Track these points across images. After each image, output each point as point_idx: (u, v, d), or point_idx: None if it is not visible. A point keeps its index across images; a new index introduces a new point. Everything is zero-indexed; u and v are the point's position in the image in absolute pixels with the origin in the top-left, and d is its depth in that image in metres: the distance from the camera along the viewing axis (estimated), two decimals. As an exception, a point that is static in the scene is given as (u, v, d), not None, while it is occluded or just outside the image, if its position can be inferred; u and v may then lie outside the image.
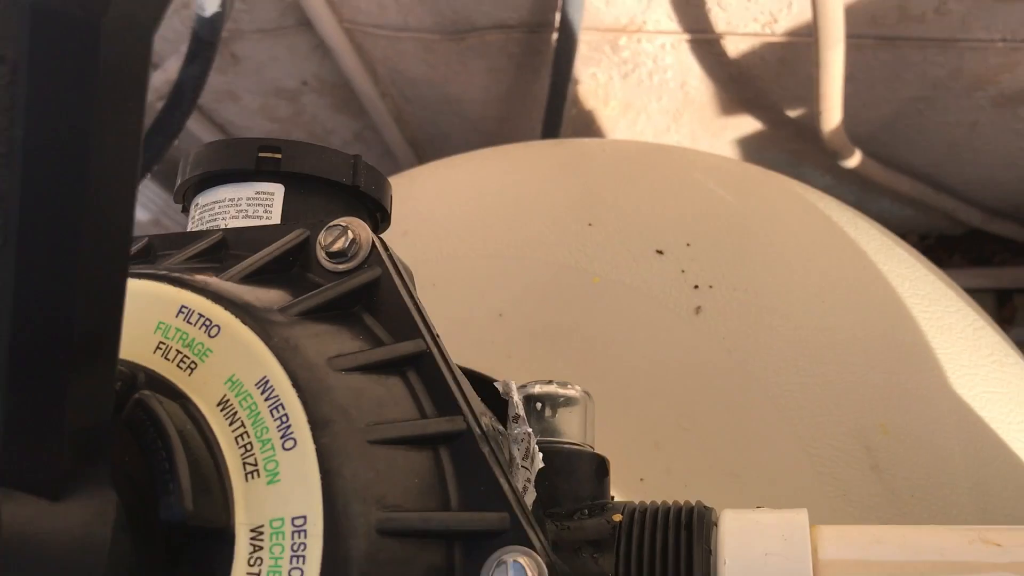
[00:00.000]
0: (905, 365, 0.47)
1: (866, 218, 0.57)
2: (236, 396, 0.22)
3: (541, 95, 1.07)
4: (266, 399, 0.22)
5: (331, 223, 0.25)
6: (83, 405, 0.18)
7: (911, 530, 0.29)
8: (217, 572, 0.20)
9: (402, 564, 0.21)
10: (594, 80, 1.09)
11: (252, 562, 0.20)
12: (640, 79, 1.08)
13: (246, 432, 0.21)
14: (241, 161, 0.28)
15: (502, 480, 0.22)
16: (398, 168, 1.24)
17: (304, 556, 0.20)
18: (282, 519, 0.20)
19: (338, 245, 0.25)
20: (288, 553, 0.20)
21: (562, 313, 0.49)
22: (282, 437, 0.21)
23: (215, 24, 0.78)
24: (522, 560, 0.21)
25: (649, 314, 0.46)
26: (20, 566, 0.18)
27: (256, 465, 0.21)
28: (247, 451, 0.21)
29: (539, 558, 0.21)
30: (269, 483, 0.21)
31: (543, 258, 0.49)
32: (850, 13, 0.86)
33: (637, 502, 0.30)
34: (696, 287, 0.47)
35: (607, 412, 0.36)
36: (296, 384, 0.21)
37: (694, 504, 0.29)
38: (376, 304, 0.25)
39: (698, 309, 0.46)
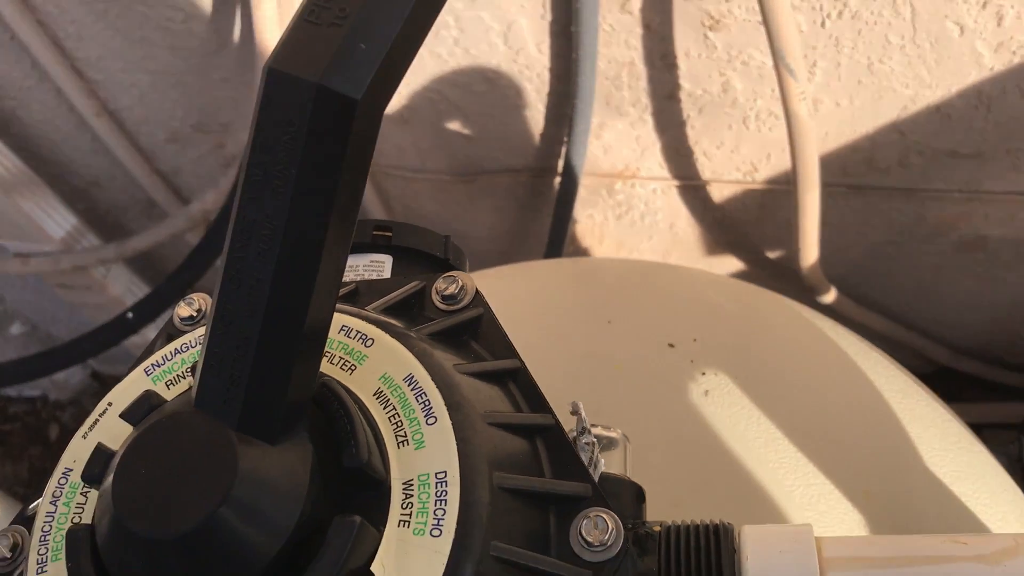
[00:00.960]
0: (885, 444, 0.54)
1: (843, 327, 0.65)
2: (388, 388, 0.28)
3: (542, 232, 1.16)
4: (412, 389, 0.28)
5: (446, 275, 0.33)
6: (299, 382, 0.25)
7: (897, 536, 0.36)
8: (376, 515, 0.26)
9: (512, 514, 0.27)
10: (591, 220, 1.19)
11: (404, 506, 0.27)
12: (633, 220, 1.18)
13: (397, 413, 0.28)
14: (360, 237, 0.36)
15: (584, 462, 0.29)
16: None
17: (446, 500, 0.26)
18: (428, 474, 0.27)
19: (451, 291, 0.33)
20: (433, 498, 0.27)
21: (589, 393, 0.56)
22: (425, 416, 0.28)
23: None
24: (603, 515, 0.28)
25: (665, 395, 0.54)
26: (251, 487, 0.24)
27: (406, 436, 0.28)
28: (398, 427, 0.28)
29: (616, 516, 0.28)
30: (416, 449, 0.27)
31: (570, 349, 0.57)
32: (823, 163, 0.96)
33: (671, 521, 0.37)
34: (704, 373, 0.54)
35: (631, 476, 0.43)
36: (434, 378, 0.28)
37: (718, 521, 0.36)
38: (480, 334, 0.32)
39: (707, 392, 0.54)
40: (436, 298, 0.33)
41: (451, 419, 0.28)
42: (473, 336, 0.32)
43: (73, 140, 1.16)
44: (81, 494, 0.30)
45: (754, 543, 0.35)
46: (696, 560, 0.33)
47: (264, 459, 0.25)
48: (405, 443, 0.28)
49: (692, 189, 1.12)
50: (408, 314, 0.32)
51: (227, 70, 1.03)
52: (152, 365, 0.32)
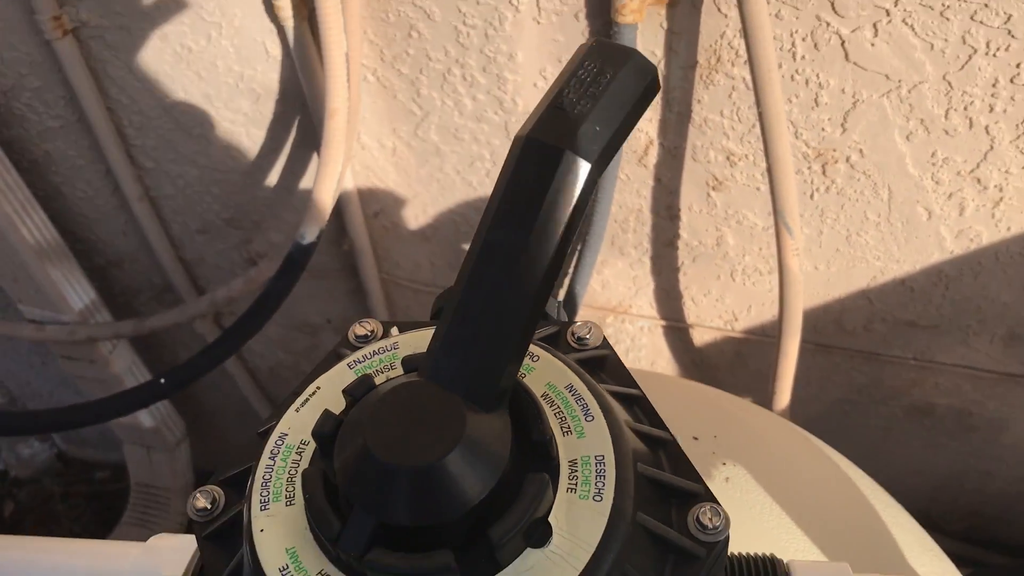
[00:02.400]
0: (869, 539, 0.63)
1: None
2: (552, 392, 0.36)
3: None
4: (571, 395, 0.36)
5: (582, 322, 0.41)
6: (512, 369, 0.33)
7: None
8: (538, 494, 0.33)
9: (646, 497, 0.35)
10: (580, 351, 1.28)
11: (571, 478, 0.34)
12: (619, 354, 1.28)
13: (561, 411, 0.36)
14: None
15: (695, 470, 0.37)
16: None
17: (604, 476, 0.34)
18: (589, 456, 0.35)
19: (583, 333, 0.41)
20: (594, 474, 0.34)
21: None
22: (584, 415, 0.36)
23: (309, 251, 0.96)
24: (716, 507, 0.35)
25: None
26: (473, 441, 0.32)
27: (569, 428, 0.35)
28: (563, 421, 0.36)
29: (724, 510, 0.36)
30: (578, 438, 0.35)
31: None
32: (799, 318, 1.08)
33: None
34: (724, 463, 0.63)
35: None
36: (589, 388, 0.37)
37: (769, 554, 0.44)
38: (607, 369, 0.40)
39: (727, 479, 0.62)
40: (571, 339, 0.41)
41: (605, 418, 0.36)
42: (601, 370, 0.41)
43: (108, 220, 1.23)
44: (296, 453, 0.37)
45: (802, 572, 0.43)
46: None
47: (482, 423, 0.33)
48: (568, 433, 0.36)
49: (676, 331, 1.23)
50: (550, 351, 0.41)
51: (272, 175, 1.13)
52: (354, 361, 0.40)
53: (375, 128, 1.04)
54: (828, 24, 0.86)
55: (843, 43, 0.87)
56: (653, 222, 1.10)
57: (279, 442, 0.37)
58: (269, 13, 0.95)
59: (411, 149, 1.06)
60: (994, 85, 0.87)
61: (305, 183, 1.13)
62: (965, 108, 0.90)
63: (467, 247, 1.17)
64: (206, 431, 1.52)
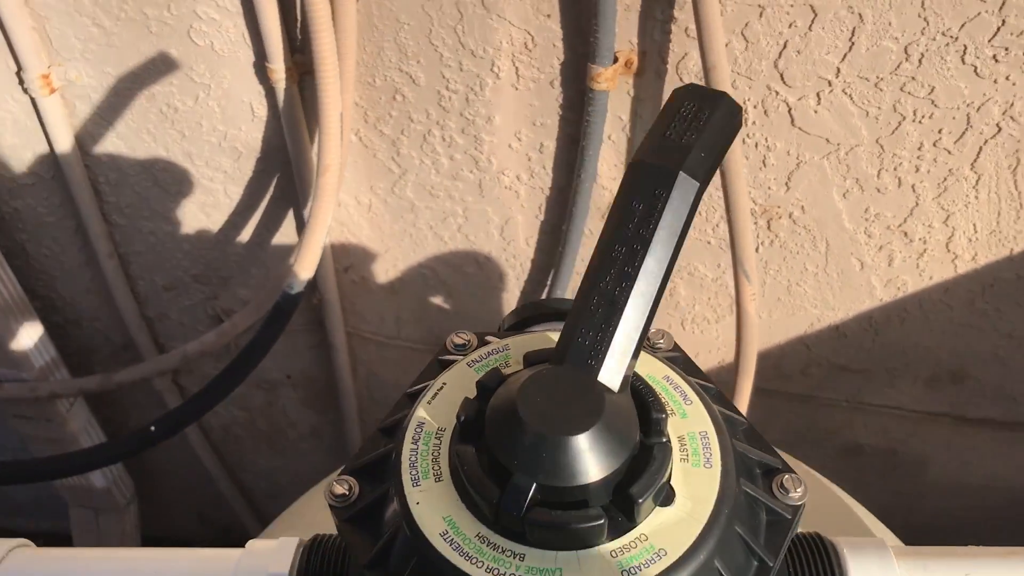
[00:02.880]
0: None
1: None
2: (651, 382, 0.42)
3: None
4: (669, 383, 0.43)
5: (656, 330, 0.48)
6: (636, 355, 0.40)
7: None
8: (665, 460, 0.39)
9: (740, 463, 0.41)
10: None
11: (682, 451, 0.40)
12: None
13: (663, 397, 0.42)
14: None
15: (772, 447, 0.43)
16: (348, 456, 1.41)
17: (710, 448, 0.40)
18: (694, 432, 0.41)
19: (657, 339, 0.47)
20: (700, 447, 0.40)
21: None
22: (683, 399, 0.42)
23: (296, 300, 1.00)
24: (796, 477, 0.42)
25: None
26: (611, 416, 0.38)
27: (673, 412, 0.41)
28: (667, 405, 0.42)
29: (802, 479, 0.42)
30: (681, 418, 0.41)
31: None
32: (744, 363, 1.17)
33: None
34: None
35: None
36: (683, 378, 0.43)
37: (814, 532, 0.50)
38: (681, 367, 0.47)
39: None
40: (648, 344, 0.47)
41: (703, 402, 0.42)
42: (679, 367, 0.47)
43: (72, 278, 1.24)
44: (436, 438, 0.42)
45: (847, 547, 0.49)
46: (806, 557, 0.47)
47: (615, 402, 0.38)
48: (674, 415, 0.42)
49: (628, 379, 1.30)
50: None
51: (245, 231, 1.16)
52: (472, 361, 0.45)
53: (353, 185, 1.09)
54: (777, 93, 0.97)
55: (790, 110, 0.98)
56: (612, 274, 1.17)
57: (418, 429, 0.42)
58: (259, 75, 1.00)
59: (386, 205, 1.11)
60: (919, 148, 0.99)
61: (278, 239, 1.17)
62: (895, 168, 1.01)
63: (434, 300, 1.23)
64: (153, 492, 1.51)
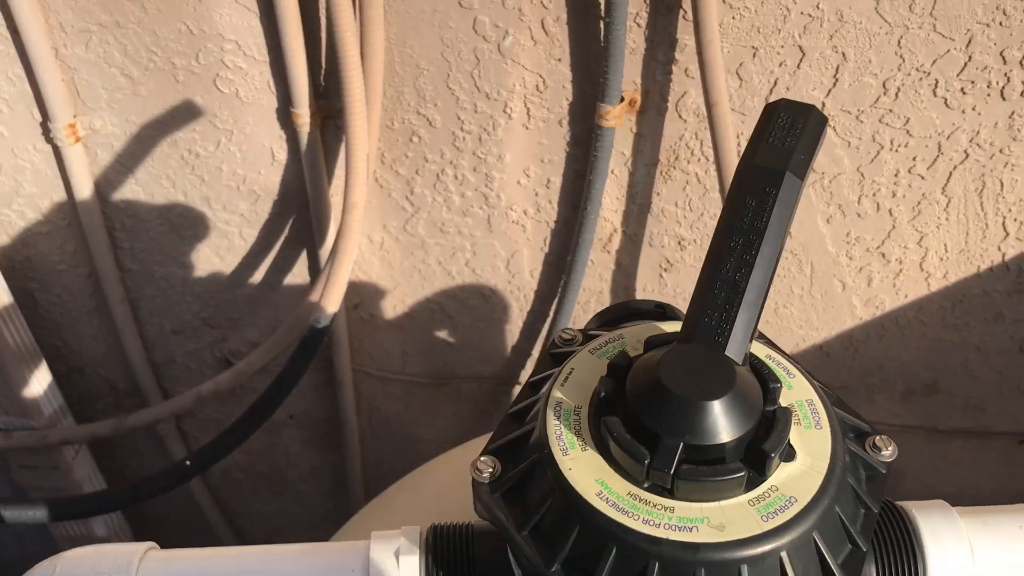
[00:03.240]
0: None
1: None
2: (758, 360, 0.48)
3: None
4: (771, 360, 0.48)
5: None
6: (754, 331, 0.45)
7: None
8: (787, 421, 0.45)
9: (843, 425, 0.47)
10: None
11: (795, 416, 0.46)
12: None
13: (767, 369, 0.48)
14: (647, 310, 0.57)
15: (860, 414, 0.49)
16: (349, 495, 1.44)
17: (817, 412, 0.46)
18: (802, 400, 0.47)
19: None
20: (809, 412, 0.46)
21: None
22: (787, 373, 0.48)
23: (322, 334, 1.04)
24: (886, 438, 0.48)
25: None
26: (742, 384, 0.43)
27: (780, 384, 0.47)
28: (773, 380, 0.47)
29: (892, 439, 0.48)
30: (788, 389, 0.47)
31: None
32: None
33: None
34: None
35: None
36: (784, 356, 0.49)
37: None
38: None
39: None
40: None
41: (803, 375, 0.48)
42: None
43: (78, 325, 1.26)
44: (575, 414, 0.47)
45: (916, 509, 0.55)
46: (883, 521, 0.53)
47: (742, 373, 0.44)
48: (781, 388, 0.47)
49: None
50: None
51: (258, 273, 1.20)
52: (593, 349, 0.50)
53: (367, 224, 1.14)
54: (768, 127, 1.05)
55: (779, 142, 1.06)
56: (611, 302, 1.24)
57: (558, 408, 0.47)
58: (282, 120, 1.05)
59: (398, 243, 1.16)
60: (896, 175, 1.08)
61: (289, 280, 1.21)
62: (874, 194, 1.10)
63: (439, 334, 1.27)
64: (151, 540, 1.50)
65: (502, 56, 0.99)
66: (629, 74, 1.01)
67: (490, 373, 1.31)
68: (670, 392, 0.43)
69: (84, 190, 1.09)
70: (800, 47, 0.98)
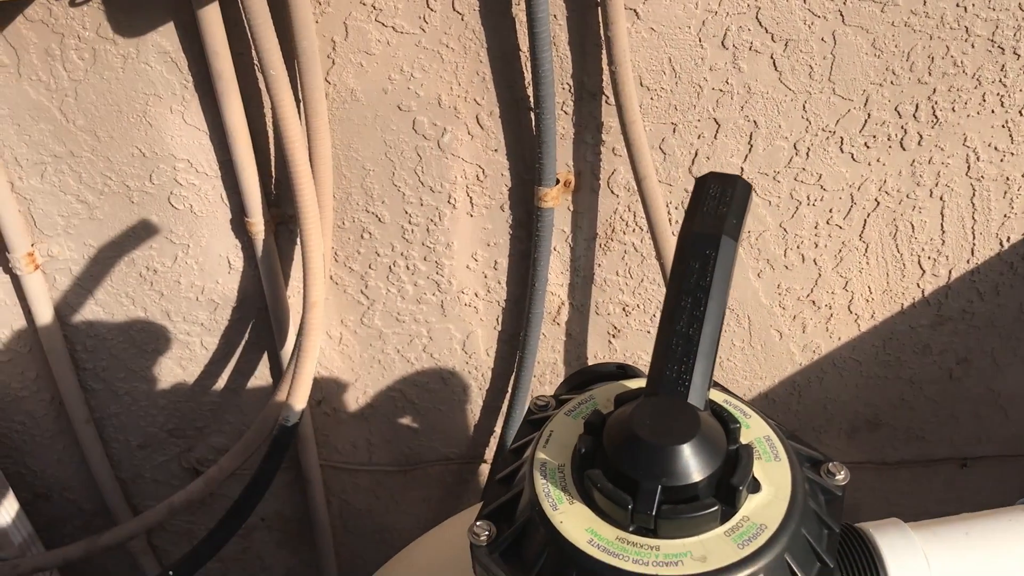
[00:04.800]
0: None
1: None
2: (716, 405, 0.54)
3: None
4: (730, 405, 0.54)
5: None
6: (710, 386, 0.51)
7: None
8: (751, 456, 0.50)
9: (795, 455, 0.53)
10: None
11: (755, 454, 0.51)
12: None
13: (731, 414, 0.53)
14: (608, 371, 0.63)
15: (812, 444, 0.55)
16: (328, 596, 1.44)
17: (775, 447, 0.51)
18: (760, 436, 0.52)
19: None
20: (768, 447, 0.51)
21: None
22: (743, 414, 0.53)
23: (292, 432, 1.07)
24: (838, 463, 0.53)
25: None
26: (706, 429, 0.48)
27: (739, 424, 0.52)
28: (733, 421, 0.53)
29: (844, 465, 0.54)
30: (746, 428, 0.53)
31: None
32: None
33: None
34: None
35: None
36: (738, 399, 0.55)
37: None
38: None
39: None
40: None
41: (758, 415, 0.54)
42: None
43: (43, 450, 1.26)
44: (559, 472, 0.51)
45: (873, 528, 0.61)
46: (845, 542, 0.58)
47: (705, 417, 0.49)
48: (743, 429, 0.53)
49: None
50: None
51: (221, 379, 1.23)
52: (567, 411, 0.55)
53: (325, 321, 1.18)
54: (694, 194, 1.13)
55: (706, 207, 1.14)
56: (565, 372, 1.29)
57: (543, 468, 0.52)
58: (236, 230, 1.10)
59: (356, 336, 1.20)
60: (816, 227, 1.16)
61: (252, 383, 1.23)
62: (798, 247, 1.18)
63: (403, 420, 1.31)
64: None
65: (442, 152, 1.06)
66: (562, 157, 1.08)
67: (455, 454, 1.35)
68: (643, 441, 0.48)
69: (44, 315, 1.11)
70: (715, 119, 1.07)
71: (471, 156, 1.07)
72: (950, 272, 1.21)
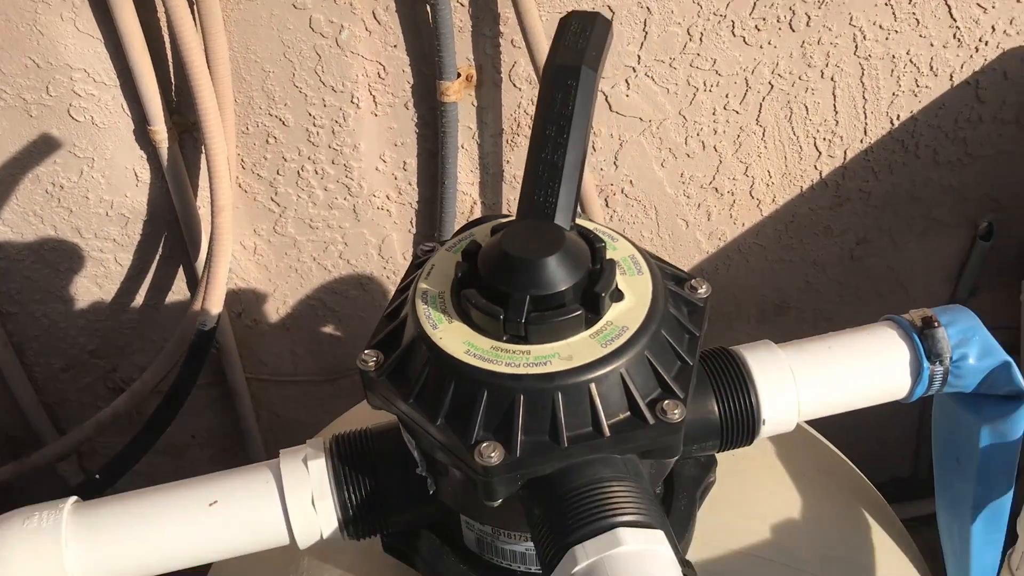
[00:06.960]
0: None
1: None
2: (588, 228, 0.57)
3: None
4: (599, 231, 0.57)
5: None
6: (576, 207, 0.54)
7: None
8: (612, 268, 0.54)
9: (662, 272, 0.56)
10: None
11: (620, 268, 0.55)
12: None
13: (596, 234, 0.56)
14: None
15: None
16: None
17: (638, 263, 0.55)
18: (625, 255, 0.56)
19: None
20: (632, 263, 0.55)
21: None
22: (611, 239, 0.57)
23: (210, 337, 1.09)
24: (702, 279, 0.57)
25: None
26: (570, 243, 0.52)
27: (604, 243, 0.56)
28: (598, 240, 0.56)
29: (707, 281, 0.58)
30: (612, 250, 0.56)
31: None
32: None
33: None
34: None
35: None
36: (605, 227, 0.58)
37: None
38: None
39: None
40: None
41: (624, 239, 0.57)
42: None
43: (-37, 378, 1.26)
44: (439, 298, 0.54)
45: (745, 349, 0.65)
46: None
47: (570, 235, 0.52)
48: (605, 245, 0.56)
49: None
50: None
51: (139, 296, 1.24)
52: (449, 247, 0.58)
53: (238, 231, 1.19)
54: (594, 85, 1.16)
55: (607, 98, 1.17)
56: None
57: (424, 296, 0.55)
58: (141, 140, 1.10)
59: (270, 245, 1.22)
60: (714, 113, 1.20)
61: (171, 298, 1.24)
62: (698, 134, 1.22)
63: (326, 329, 1.33)
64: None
65: (341, 50, 1.07)
66: (461, 51, 1.09)
67: (380, 360, 1.37)
68: (512, 257, 0.51)
69: (-49, 237, 1.11)
70: (609, 6, 1.09)
71: (371, 53, 1.08)
72: (845, 152, 1.26)
